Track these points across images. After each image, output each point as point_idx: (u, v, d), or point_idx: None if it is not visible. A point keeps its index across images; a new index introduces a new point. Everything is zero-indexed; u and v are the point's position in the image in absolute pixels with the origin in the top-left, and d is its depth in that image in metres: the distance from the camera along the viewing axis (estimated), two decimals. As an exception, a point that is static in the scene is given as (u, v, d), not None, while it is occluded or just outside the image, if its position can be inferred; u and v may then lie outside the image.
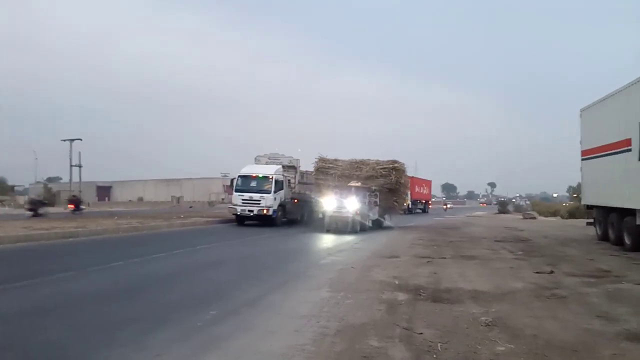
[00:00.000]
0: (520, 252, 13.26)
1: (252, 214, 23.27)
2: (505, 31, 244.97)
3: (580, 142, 17.61)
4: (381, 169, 23.88)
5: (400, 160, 24.99)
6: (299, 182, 26.60)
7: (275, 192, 23.41)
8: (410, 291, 7.65)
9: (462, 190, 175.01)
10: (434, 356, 4.63)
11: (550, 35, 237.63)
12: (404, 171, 25.29)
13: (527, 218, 36.54)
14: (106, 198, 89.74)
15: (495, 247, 14.73)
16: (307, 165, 27.44)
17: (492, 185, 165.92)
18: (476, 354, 4.72)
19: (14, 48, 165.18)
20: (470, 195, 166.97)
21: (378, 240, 17.41)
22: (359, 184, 22.02)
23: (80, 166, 56.88)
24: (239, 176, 24.39)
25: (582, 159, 17.39)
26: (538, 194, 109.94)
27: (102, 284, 8.36)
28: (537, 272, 9.57)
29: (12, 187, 60.94)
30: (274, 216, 23.27)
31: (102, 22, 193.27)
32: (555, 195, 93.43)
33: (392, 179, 23.69)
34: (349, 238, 17.78)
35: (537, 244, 15.82)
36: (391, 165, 24.16)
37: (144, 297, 7.40)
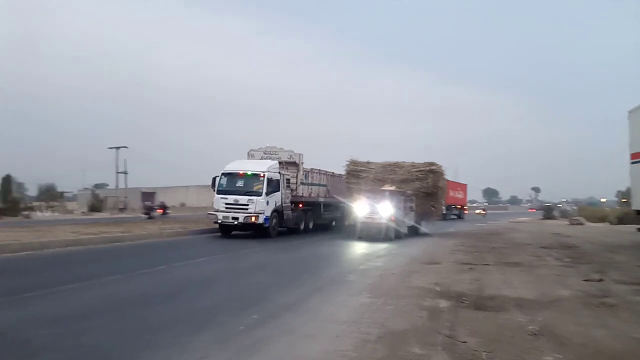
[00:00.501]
0: (567, 259, 12.84)
1: (236, 223, 18.72)
2: (543, 28, 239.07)
3: (629, 145, 16.96)
4: (417, 171, 22.44)
5: (437, 162, 23.41)
6: (303, 183, 22.43)
7: (268, 194, 18.99)
8: (452, 298, 7.52)
9: (504, 195, 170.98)
10: (478, 365, 4.54)
11: (595, 27, 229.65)
12: (442, 174, 23.61)
13: (573, 224, 35.29)
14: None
15: (540, 254, 14.30)
16: (336, 167, 25.66)
17: (536, 190, 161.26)
18: (522, 363, 4.60)
19: (63, 62, 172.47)
20: (514, 201, 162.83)
21: (415, 247, 16.73)
22: (393, 188, 20.74)
23: (125, 173, 58.86)
24: (223, 174, 19.73)
25: (631, 163, 16.71)
26: (585, 199, 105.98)
27: (147, 287, 8.60)
28: (585, 280, 9.25)
29: (62, 193, 63.61)
30: (266, 225, 18.79)
31: (144, 35, 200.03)
32: (603, 200, 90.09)
33: (429, 182, 22.27)
34: (382, 246, 16.82)
35: (584, 251, 15.27)
36: (428, 168, 22.64)
37: (188, 300, 7.56)
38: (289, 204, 20.87)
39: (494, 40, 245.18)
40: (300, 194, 22.19)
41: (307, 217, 23.05)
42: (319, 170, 24.56)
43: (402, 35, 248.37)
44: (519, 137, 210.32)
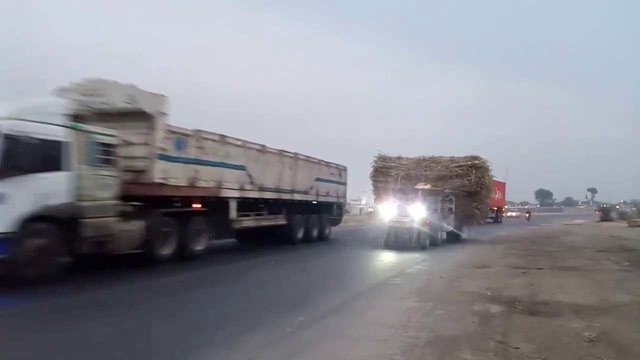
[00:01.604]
0: (627, 263, 12.31)
1: None
2: (599, 24, 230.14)
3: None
4: (457, 167, 19.29)
5: (482, 156, 20.02)
6: (168, 157, 10.77)
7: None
8: (504, 303, 7.32)
9: (558, 197, 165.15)
10: (532, 372, 4.41)
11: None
12: (487, 170, 20.14)
13: (632, 226, 33.73)
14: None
15: (597, 258, 13.74)
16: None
17: (593, 191, 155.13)
18: (579, 371, 4.44)
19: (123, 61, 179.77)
20: (568, 202, 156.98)
21: (453, 259, 13.46)
22: (428, 186, 18.08)
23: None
24: None
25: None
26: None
27: (201, 286, 8.80)
28: (646, 285, 8.84)
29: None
30: None
31: (198, 37, 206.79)
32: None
33: (471, 179, 18.97)
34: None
35: (645, 254, 14.58)
36: (470, 163, 19.45)
37: (239, 300, 7.69)
38: (111, 202, 9.60)
39: (541, 33, 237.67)
40: (160, 180, 10.64)
41: (188, 229, 11.71)
42: (223, 137, 12.90)
43: (444, 33, 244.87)
44: (574, 136, 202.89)
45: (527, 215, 52.64)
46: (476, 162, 19.49)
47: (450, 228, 18.94)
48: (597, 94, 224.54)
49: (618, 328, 5.89)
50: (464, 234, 20.65)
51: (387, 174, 19.77)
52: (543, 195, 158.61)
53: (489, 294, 8.05)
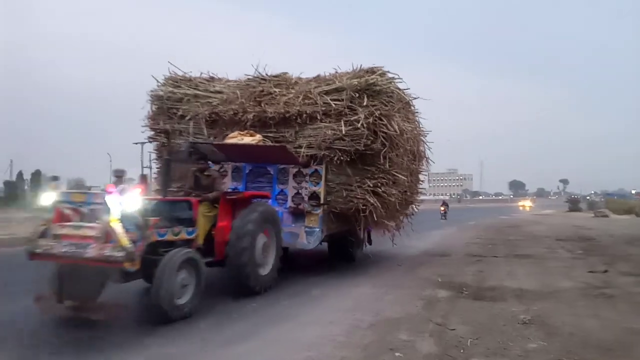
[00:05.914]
0: (580, 251, 12.80)
1: None
2: (572, 18, 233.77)
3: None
4: (331, 94, 8.44)
5: (387, 70, 8.82)
6: None
7: None
8: (453, 288, 7.66)
9: (531, 188, 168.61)
10: (462, 351, 4.70)
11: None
12: (400, 101, 9.11)
13: (598, 216, 34.82)
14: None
15: (554, 246, 14.25)
16: None
17: (565, 182, 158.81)
18: (505, 350, 4.75)
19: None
20: (541, 193, 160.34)
21: None
22: (256, 139, 8.45)
23: (150, 168, 60.02)
24: None
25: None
26: (615, 191, 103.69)
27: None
28: (590, 272, 9.28)
29: (89, 187, 65.32)
30: None
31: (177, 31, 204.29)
32: (633, 192, 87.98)
33: (359, 126, 8.04)
34: None
35: (600, 243, 15.15)
36: (357, 81, 8.36)
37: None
38: None
39: (524, 27, 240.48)
40: None
41: None
42: None
43: (426, 26, 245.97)
44: (547, 128, 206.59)
45: (443, 209, 31.73)
46: (372, 81, 8.42)
47: (317, 239, 8.51)
48: (570, 88, 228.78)
49: (553, 311, 6.23)
50: (359, 251, 10.68)
51: (175, 112, 9.47)
52: (516, 186, 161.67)
53: (440, 280, 8.38)
